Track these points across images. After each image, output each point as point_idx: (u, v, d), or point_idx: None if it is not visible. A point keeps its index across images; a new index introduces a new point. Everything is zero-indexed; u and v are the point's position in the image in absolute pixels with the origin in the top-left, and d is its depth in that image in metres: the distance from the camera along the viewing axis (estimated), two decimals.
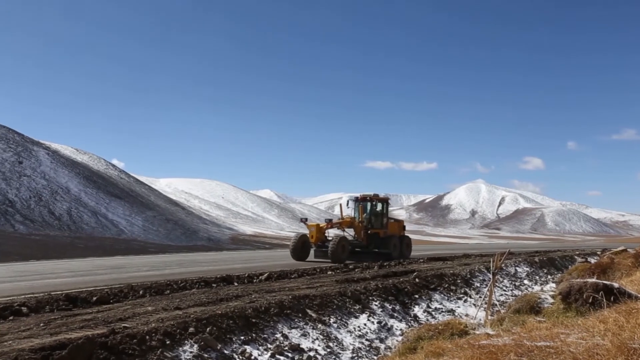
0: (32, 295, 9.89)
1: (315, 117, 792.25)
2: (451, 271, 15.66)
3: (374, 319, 10.39)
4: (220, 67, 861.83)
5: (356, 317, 10.17)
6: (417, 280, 13.49)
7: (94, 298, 9.57)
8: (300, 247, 21.49)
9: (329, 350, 8.48)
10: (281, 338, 8.23)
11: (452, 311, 12.45)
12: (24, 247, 51.27)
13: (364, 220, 23.24)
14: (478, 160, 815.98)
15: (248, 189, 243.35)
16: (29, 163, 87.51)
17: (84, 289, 10.75)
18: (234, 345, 7.49)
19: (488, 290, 11.23)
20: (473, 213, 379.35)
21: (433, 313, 11.98)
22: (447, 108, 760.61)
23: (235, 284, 12.57)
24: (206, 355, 6.93)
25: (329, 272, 15.38)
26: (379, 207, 24.06)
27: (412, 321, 11.13)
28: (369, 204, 23.78)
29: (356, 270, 16.21)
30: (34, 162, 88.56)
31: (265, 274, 13.92)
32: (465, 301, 13.51)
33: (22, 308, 8.47)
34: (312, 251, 21.62)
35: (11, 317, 8.03)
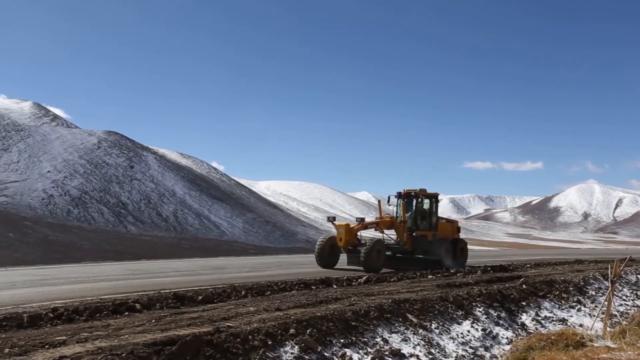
0: (144, 293, 10.44)
1: (411, 118, 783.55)
2: (562, 277, 14.71)
3: (478, 325, 9.94)
4: (317, 70, 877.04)
5: (459, 324, 9.79)
6: (524, 286, 12.78)
7: (200, 297, 9.90)
8: (327, 252, 18.31)
9: (430, 356, 8.21)
10: (381, 342, 8.07)
11: (564, 320, 11.66)
12: (135, 247, 54.91)
13: (406, 221, 19.56)
14: (589, 159, 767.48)
15: (345, 191, 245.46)
16: (139, 167, 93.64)
17: (190, 288, 11.18)
18: (334, 348, 7.43)
19: (606, 299, 10.38)
20: (585, 216, 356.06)
21: (543, 322, 11.27)
22: (554, 106, 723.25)
23: (334, 286, 12.57)
24: (307, 357, 6.94)
25: (430, 276, 15.02)
26: (427, 204, 20.29)
27: (519, 329, 10.54)
28: (414, 201, 20.01)
29: (458, 274, 15.70)
30: (143, 167, 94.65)
31: (364, 277, 13.82)
32: (578, 310, 12.60)
33: (136, 304, 8.95)
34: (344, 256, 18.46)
35: (126, 313, 8.51)
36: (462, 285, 12.48)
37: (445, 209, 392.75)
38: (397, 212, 19.99)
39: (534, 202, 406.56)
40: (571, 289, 13.89)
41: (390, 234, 19.90)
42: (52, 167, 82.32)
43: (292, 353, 6.88)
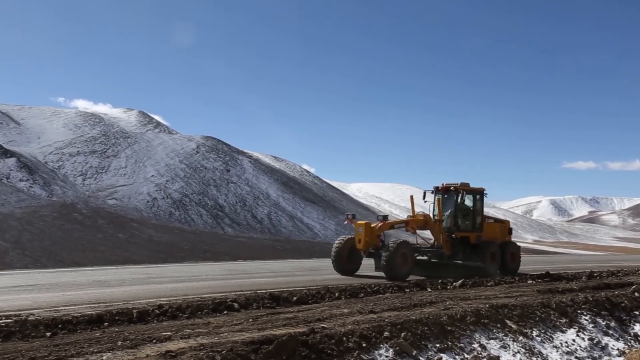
0: (241, 293, 10.80)
1: (507, 119, 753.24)
2: None
3: (584, 334, 9.38)
4: (405, 71, 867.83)
5: (562, 332, 9.29)
6: (636, 294, 11.88)
7: (294, 298, 10.07)
8: (346, 256, 15.96)
9: None
10: (479, 348, 7.82)
11: None
12: (232, 248, 56.92)
13: (443, 220, 17.04)
14: None
15: None
16: (235, 171, 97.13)
17: (284, 289, 11.42)
18: (429, 353, 7.29)
19: None
20: None
21: None
22: None
23: (429, 289, 12.39)
24: None
25: (530, 281, 14.39)
26: (469, 201, 17.61)
27: (632, 341, 9.83)
28: (454, 197, 17.35)
29: (561, 280, 14.90)
30: (239, 170, 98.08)
31: (460, 281, 13.49)
32: None
33: (234, 304, 9.27)
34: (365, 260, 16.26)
35: (225, 312, 8.84)
36: (565, 292, 11.84)
37: (545, 211, 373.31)
38: (433, 210, 17.35)
39: None
40: None
41: (428, 236, 17.56)
42: (156, 172, 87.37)
43: (386, 356, 6.83)
